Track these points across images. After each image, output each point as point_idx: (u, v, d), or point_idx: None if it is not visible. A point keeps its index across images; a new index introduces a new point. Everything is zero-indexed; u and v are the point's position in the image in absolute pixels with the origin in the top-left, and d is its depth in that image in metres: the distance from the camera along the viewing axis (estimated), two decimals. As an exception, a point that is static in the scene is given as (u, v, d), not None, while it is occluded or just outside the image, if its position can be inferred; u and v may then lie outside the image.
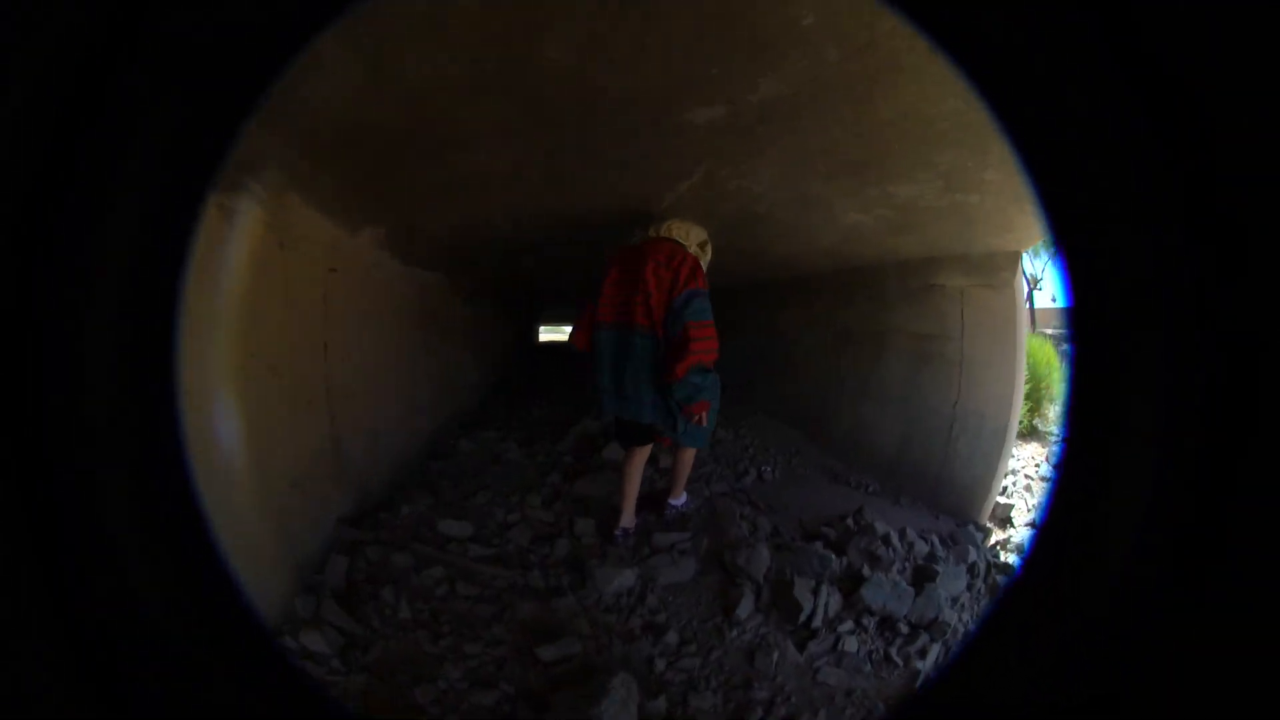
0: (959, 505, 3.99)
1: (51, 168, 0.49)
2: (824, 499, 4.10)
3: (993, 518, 4.12)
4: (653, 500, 3.53)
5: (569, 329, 3.37)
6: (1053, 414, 7.24)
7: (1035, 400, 7.16)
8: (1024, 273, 4.52)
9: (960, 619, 2.73)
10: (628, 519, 3.21)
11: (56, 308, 0.50)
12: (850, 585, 2.90)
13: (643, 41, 1.82)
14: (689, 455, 3.28)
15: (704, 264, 2.98)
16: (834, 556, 3.08)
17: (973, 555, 3.31)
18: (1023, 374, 4.00)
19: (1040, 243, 4.19)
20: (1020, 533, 4.11)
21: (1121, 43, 0.48)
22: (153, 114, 0.50)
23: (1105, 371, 0.53)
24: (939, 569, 3.05)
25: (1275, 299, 0.45)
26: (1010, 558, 3.65)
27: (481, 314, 7.38)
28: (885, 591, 2.79)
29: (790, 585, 2.80)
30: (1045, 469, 5.82)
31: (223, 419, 2.03)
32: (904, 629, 2.65)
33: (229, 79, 0.52)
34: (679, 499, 3.42)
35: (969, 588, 3.05)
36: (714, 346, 2.73)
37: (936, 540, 3.47)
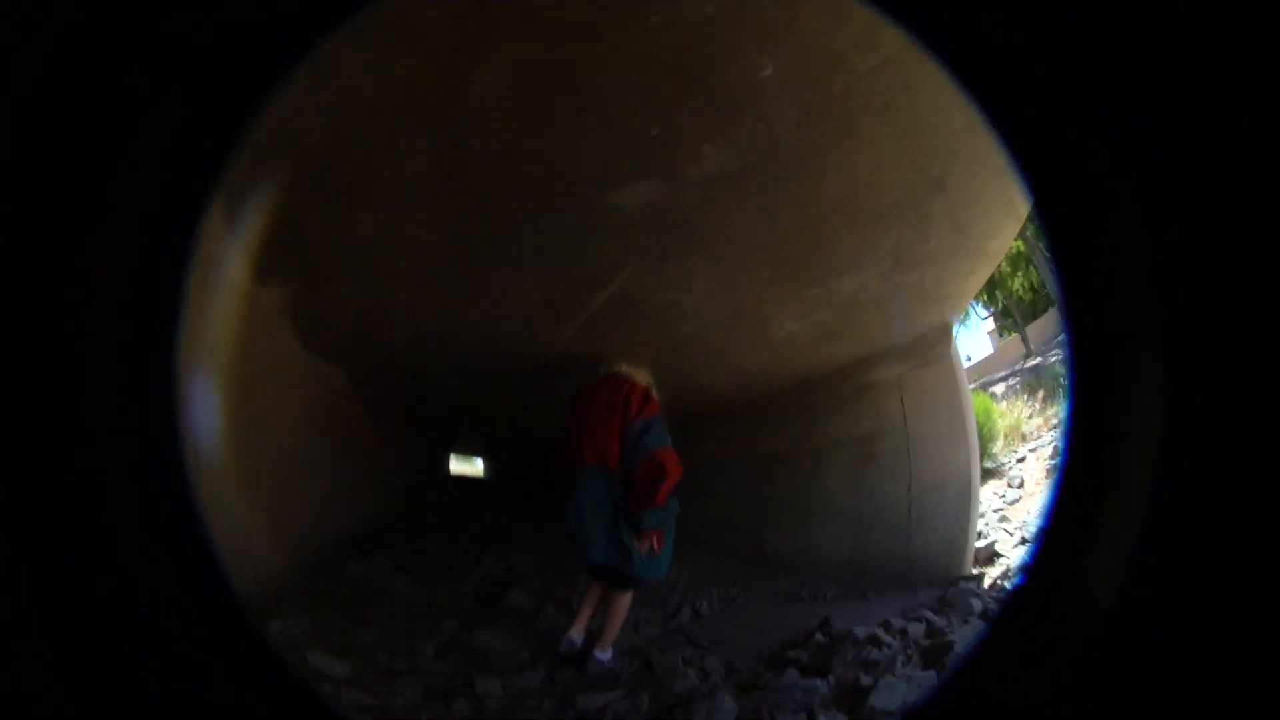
0: (937, 574, 3.75)
1: (52, 167, 0.49)
2: (779, 620, 3.52)
3: (977, 562, 3.92)
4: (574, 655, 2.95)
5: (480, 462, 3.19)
6: (996, 450, 7.32)
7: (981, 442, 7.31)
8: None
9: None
10: (576, 631, 2.86)
11: (57, 308, 0.50)
12: (853, 701, 2.34)
13: (577, 82, 1.54)
14: (626, 600, 2.94)
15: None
16: (818, 681, 2.49)
17: (978, 605, 3.00)
18: (974, 433, 3.93)
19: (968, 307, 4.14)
20: (1013, 555, 3.95)
21: (1120, 46, 0.48)
22: (153, 114, 0.51)
23: (1103, 391, 0.53)
24: (951, 636, 2.60)
25: (1273, 318, 0.46)
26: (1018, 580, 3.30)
27: (386, 431, 6.78)
28: (900, 689, 2.27)
29: (775, 729, 2.18)
30: (1009, 496, 5.81)
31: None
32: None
33: (231, 80, 0.52)
34: (606, 652, 2.84)
35: None
36: (680, 470, 2.66)
37: (929, 614, 3.00)
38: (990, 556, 4.14)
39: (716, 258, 2.44)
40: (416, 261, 2.64)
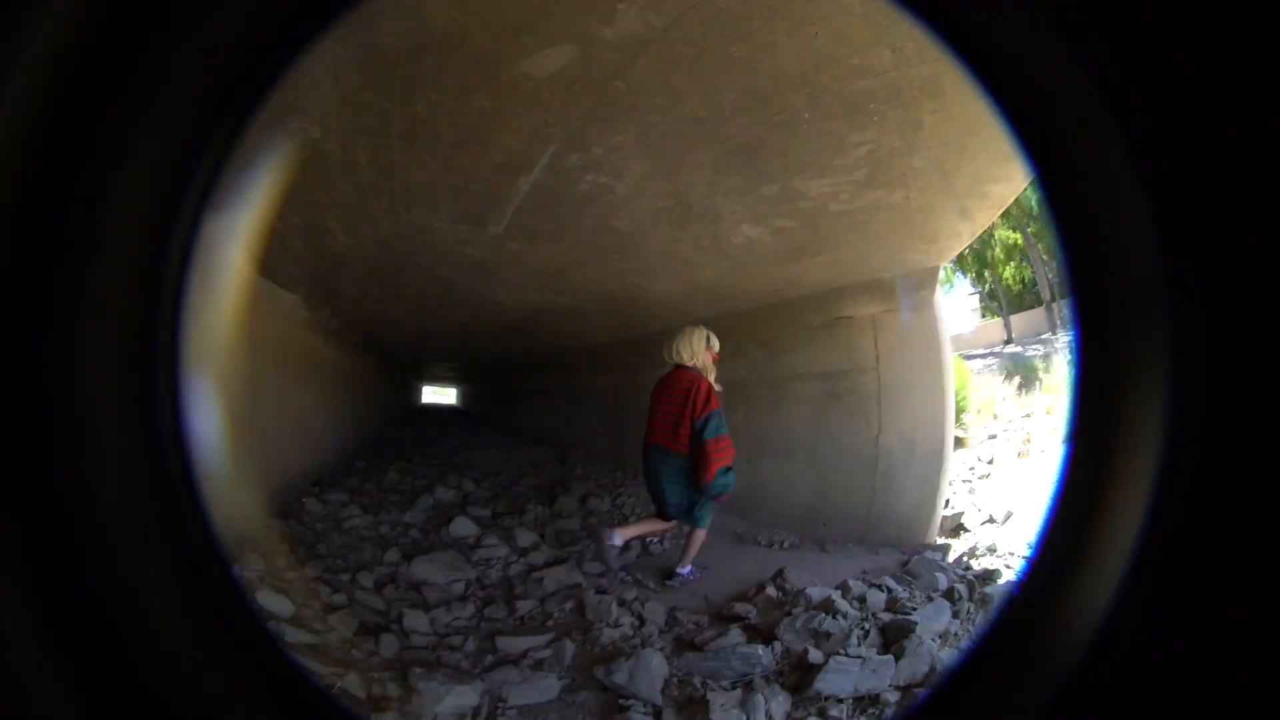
0: (900, 535, 3.55)
1: (51, 166, 0.48)
2: (730, 566, 3.33)
3: (943, 531, 3.72)
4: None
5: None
6: (968, 421, 7.16)
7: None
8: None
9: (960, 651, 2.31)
10: (620, 535, 3.27)
11: (56, 307, 0.49)
12: (798, 677, 2.10)
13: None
14: (700, 534, 3.35)
15: (713, 361, 3.39)
16: (761, 649, 2.23)
17: (943, 580, 2.79)
18: (952, 391, 3.67)
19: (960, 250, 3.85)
20: (980, 533, 3.73)
21: (1124, 32, 0.47)
22: (153, 115, 0.50)
23: (1108, 370, 0.53)
24: (913, 615, 2.38)
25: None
26: (984, 562, 3.21)
27: (352, 361, 6.53)
28: (853, 674, 2.03)
29: (704, 704, 1.94)
30: (980, 470, 5.60)
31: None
32: (893, 696, 2.05)
33: (232, 75, 0.52)
34: (685, 568, 3.27)
35: (955, 615, 2.51)
36: (730, 454, 3.23)
37: (891, 582, 2.78)
38: (957, 528, 3.88)
39: (646, 133, 2.08)
40: (348, 164, 2.37)
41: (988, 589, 2.74)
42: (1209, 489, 0.47)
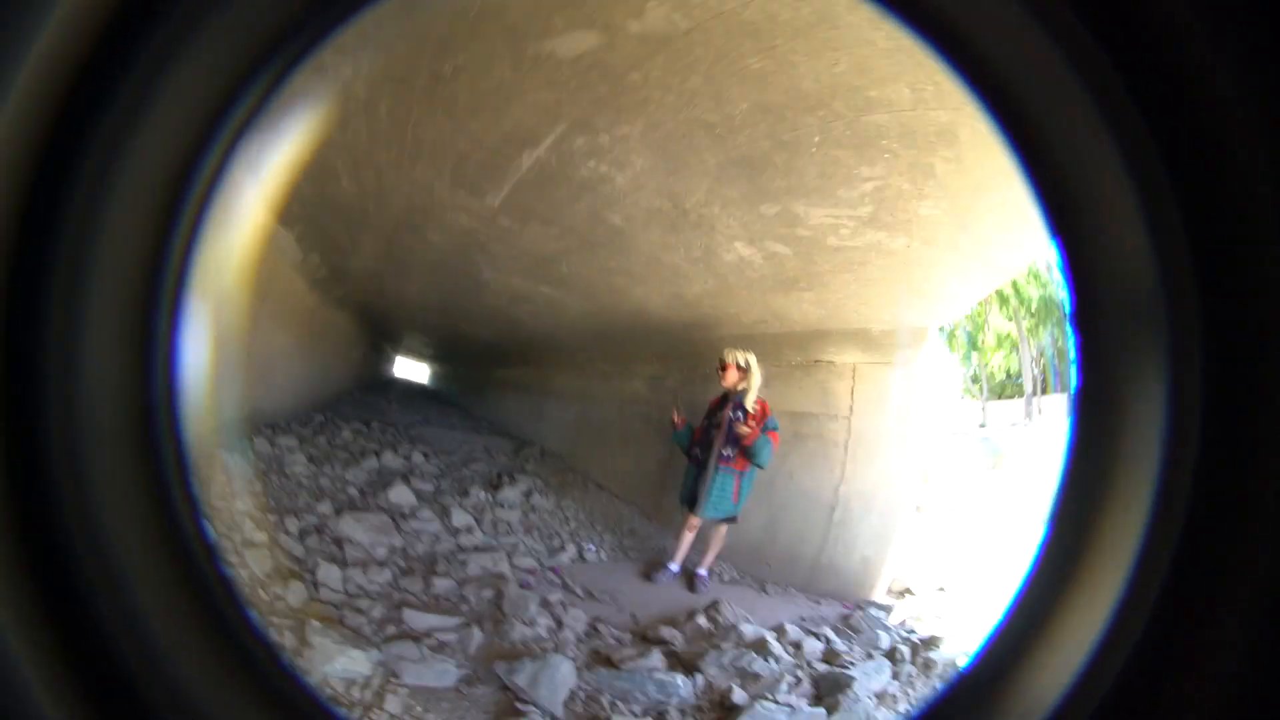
0: (844, 588, 3.44)
1: (51, 166, 0.48)
2: (665, 590, 3.20)
3: (890, 592, 3.59)
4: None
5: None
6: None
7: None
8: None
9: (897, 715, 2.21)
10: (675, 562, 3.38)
11: (56, 309, 0.49)
12: (717, 716, 1.98)
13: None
14: (723, 530, 3.46)
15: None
16: (681, 679, 2.10)
17: (885, 639, 2.72)
18: (924, 455, 3.62)
19: (960, 318, 3.84)
20: (928, 600, 3.60)
21: (1118, 38, 0.47)
22: (151, 116, 0.50)
23: (1106, 382, 0.53)
24: (850, 670, 2.28)
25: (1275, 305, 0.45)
26: (929, 628, 3.12)
27: (331, 315, 6.39)
28: None
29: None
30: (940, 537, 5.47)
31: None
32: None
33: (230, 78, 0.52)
34: (705, 569, 3.38)
35: (895, 676, 2.45)
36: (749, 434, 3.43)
37: (830, 633, 2.68)
38: (904, 591, 3.75)
39: (654, 129, 2.07)
40: (369, 109, 2.33)
41: (931, 654, 2.63)
42: (1206, 503, 0.47)
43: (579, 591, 2.88)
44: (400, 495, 3.44)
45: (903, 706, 2.27)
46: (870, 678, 2.29)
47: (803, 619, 2.88)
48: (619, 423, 5.08)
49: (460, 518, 3.38)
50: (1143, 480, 0.50)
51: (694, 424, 3.66)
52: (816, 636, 2.60)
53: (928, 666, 2.53)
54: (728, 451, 3.47)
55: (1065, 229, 0.53)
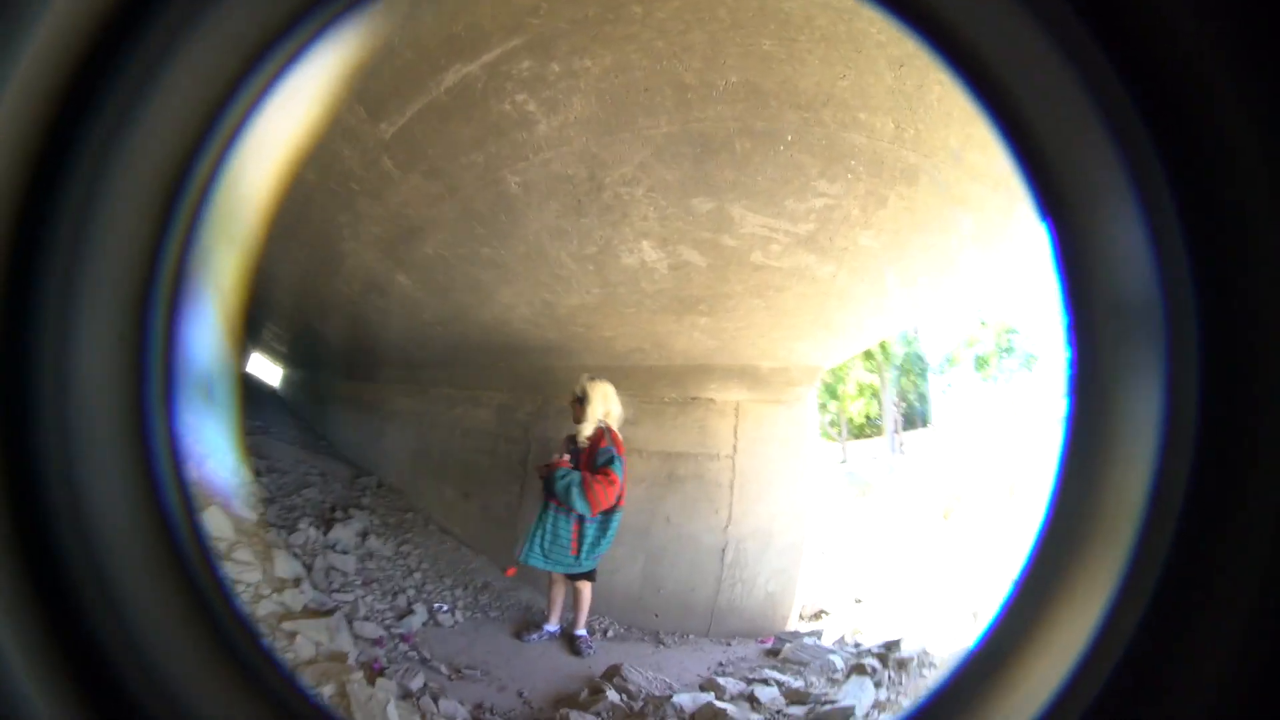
0: (752, 626, 3.21)
1: (46, 165, 0.48)
2: (544, 655, 2.69)
3: (802, 618, 3.51)
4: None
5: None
6: None
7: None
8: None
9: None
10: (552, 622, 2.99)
11: (50, 308, 0.49)
12: None
13: None
14: (585, 587, 3.04)
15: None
16: None
17: (840, 660, 2.58)
18: (815, 488, 3.56)
19: (845, 360, 3.84)
20: (847, 614, 3.57)
21: (1117, 40, 0.47)
22: (147, 118, 0.50)
23: (1100, 383, 0.53)
24: (843, 701, 2.15)
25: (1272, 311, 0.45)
26: (874, 637, 3.03)
27: None
28: None
29: None
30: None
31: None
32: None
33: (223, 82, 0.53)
34: (583, 629, 2.96)
35: (878, 685, 2.37)
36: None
37: (774, 674, 2.44)
38: (817, 613, 3.69)
39: (620, 70, 1.76)
40: None
41: (900, 654, 2.54)
42: (1201, 503, 0.46)
43: (444, 669, 2.28)
44: (217, 524, 2.55)
45: (906, 702, 2.23)
46: (860, 696, 2.21)
47: (720, 665, 2.63)
48: (462, 456, 4.46)
49: (286, 565, 2.60)
50: (1137, 480, 0.49)
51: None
52: (763, 682, 2.35)
53: (903, 665, 2.47)
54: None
55: (1061, 229, 0.53)
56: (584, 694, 2.17)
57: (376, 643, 2.29)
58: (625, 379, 3.57)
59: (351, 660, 2.03)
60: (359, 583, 2.84)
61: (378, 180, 2.64)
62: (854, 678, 2.41)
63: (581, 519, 2.87)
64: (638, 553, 3.41)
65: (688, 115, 1.87)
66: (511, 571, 3.12)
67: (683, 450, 3.48)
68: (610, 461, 2.88)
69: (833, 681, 2.41)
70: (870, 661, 2.52)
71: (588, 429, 2.97)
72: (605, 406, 3.05)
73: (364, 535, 3.47)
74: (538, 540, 2.87)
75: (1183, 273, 0.46)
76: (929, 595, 3.62)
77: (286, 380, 9.98)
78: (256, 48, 0.52)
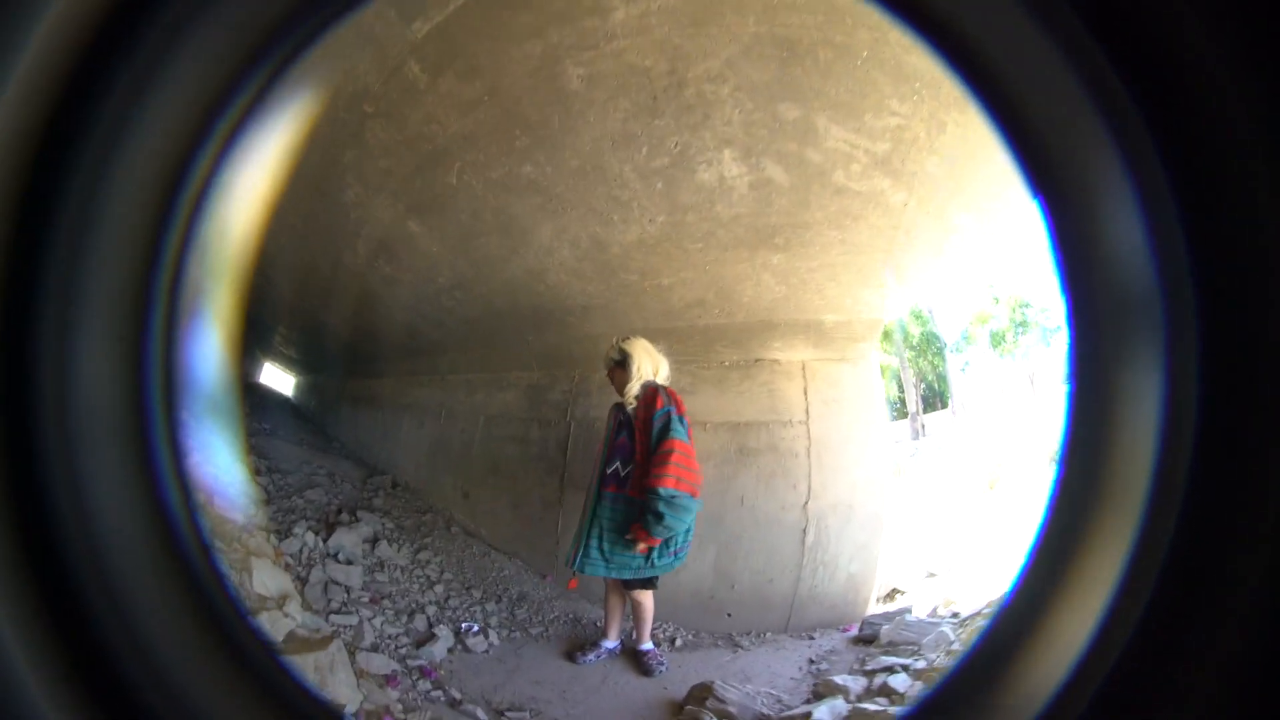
0: (832, 615, 2.84)
1: (46, 163, 0.48)
2: (606, 679, 2.17)
3: (878, 600, 3.15)
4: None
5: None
6: None
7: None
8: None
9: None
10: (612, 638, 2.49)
11: (50, 307, 0.49)
12: None
13: None
14: (646, 596, 2.50)
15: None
16: None
17: (948, 632, 2.25)
18: (890, 453, 3.25)
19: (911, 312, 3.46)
20: (925, 589, 3.28)
21: (1115, 34, 0.47)
22: (145, 117, 0.50)
23: (1101, 380, 0.52)
24: None
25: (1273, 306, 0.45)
26: (970, 605, 2.77)
27: None
28: None
29: None
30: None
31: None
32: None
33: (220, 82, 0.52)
34: (648, 644, 2.46)
35: None
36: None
37: (890, 660, 2.09)
38: (891, 592, 3.33)
39: None
40: None
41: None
42: (1202, 499, 0.46)
43: (480, 714, 1.73)
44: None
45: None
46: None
47: (812, 663, 2.23)
48: (487, 447, 3.93)
49: (271, 579, 2.04)
50: (1137, 476, 0.48)
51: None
52: (889, 670, 1.96)
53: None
54: (616, 468, 2.37)
55: (1060, 224, 0.52)
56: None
57: (389, 681, 1.74)
58: (680, 343, 3.13)
59: (351, 712, 1.47)
60: (365, 599, 2.31)
61: (398, 94, 2.22)
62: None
63: (647, 509, 2.25)
64: (708, 544, 2.94)
65: (774, 19, 1.74)
66: (574, 584, 2.55)
67: (752, 419, 3.07)
68: (668, 426, 2.27)
69: (953, 655, 2.06)
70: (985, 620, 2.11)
71: (635, 388, 2.41)
72: (651, 363, 2.51)
73: (373, 541, 2.95)
74: (595, 541, 2.29)
75: (1182, 267, 0.45)
76: (998, 561, 3.34)
77: (299, 387, 9.75)
78: (260, 40, 0.51)
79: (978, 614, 2.49)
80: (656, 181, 2.31)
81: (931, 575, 3.46)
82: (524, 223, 2.66)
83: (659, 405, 2.30)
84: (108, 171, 0.48)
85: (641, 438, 2.29)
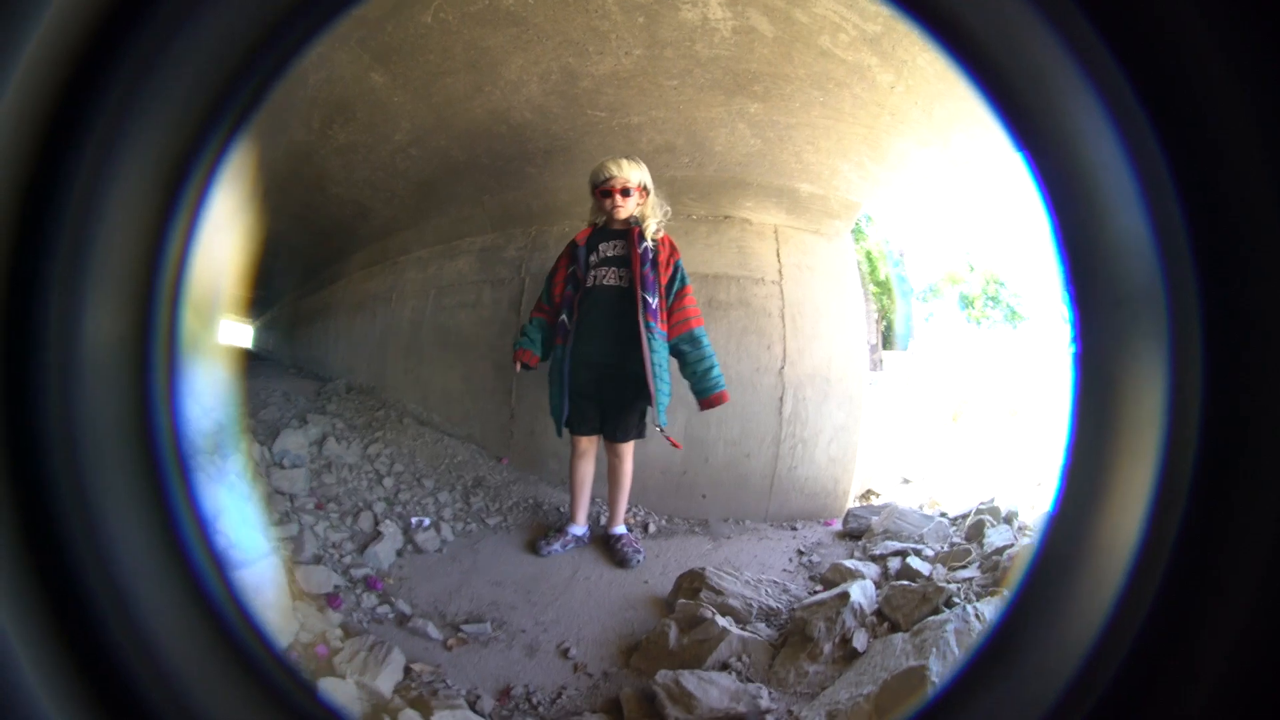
0: (812, 505, 2.71)
1: (46, 162, 0.47)
2: (579, 574, 1.94)
3: (858, 500, 3.09)
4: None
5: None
6: None
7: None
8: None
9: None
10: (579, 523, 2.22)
11: (53, 309, 0.48)
12: None
13: None
14: (627, 459, 2.28)
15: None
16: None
17: (943, 524, 2.20)
18: (869, 330, 3.16)
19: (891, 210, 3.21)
20: (906, 490, 3.21)
21: (1118, 32, 0.46)
22: (145, 117, 0.49)
23: (1106, 367, 0.51)
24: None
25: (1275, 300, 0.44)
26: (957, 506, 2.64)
27: None
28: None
29: None
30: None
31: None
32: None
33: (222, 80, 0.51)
34: (620, 527, 2.20)
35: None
36: None
37: (896, 544, 1.99)
38: (865, 492, 3.20)
39: None
40: None
41: (1005, 511, 2.19)
42: (1207, 489, 0.45)
43: (433, 629, 1.50)
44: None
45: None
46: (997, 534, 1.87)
47: (802, 554, 2.09)
48: (436, 320, 3.63)
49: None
50: (1143, 466, 0.47)
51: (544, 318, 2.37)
52: (902, 554, 1.84)
53: (1010, 521, 2.14)
54: (652, 298, 2.15)
55: (1063, 214, 0.52)
56: (670, 631, 1.38)
57: (330, 601, 1.52)
58: (674, 183, 2.94)
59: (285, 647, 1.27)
60: (311, 506, 2.08)
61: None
62: (998, 524, 1.98)
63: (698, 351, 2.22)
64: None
65: None
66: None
67: (721, 271, 2.91)
68: (681, 271, 2.25)
69: (956, 545, 1.96)
70: (985, 518, 2.11)
71: (659, 218, 2.24)
72: (661, 203, 2.30)
73: (321, 440, 2.71)
74: (660, 377, 2.15)
75: (1184, 256, 0.44)
76: (969, 476, 3.29)
77: (256, 333, 9.32)
78: (263, 32, 0.50)
79: (968, 514, 2.33)
80: (638, 15, 2.16)
81: (906, 481, 3.42)
82: (495, 55, 2.42)
83: (677, 256, 2.25)
84: (108, 171, 0.47)
85: (661, 278, 2.18)
